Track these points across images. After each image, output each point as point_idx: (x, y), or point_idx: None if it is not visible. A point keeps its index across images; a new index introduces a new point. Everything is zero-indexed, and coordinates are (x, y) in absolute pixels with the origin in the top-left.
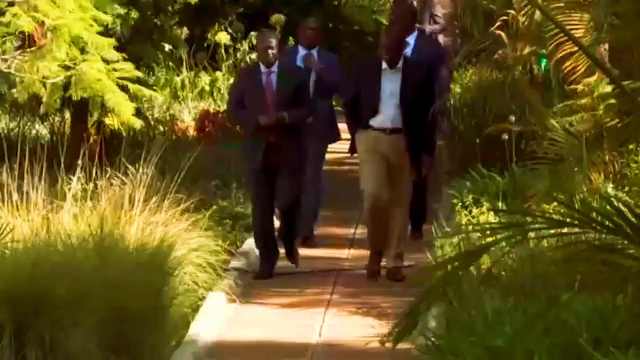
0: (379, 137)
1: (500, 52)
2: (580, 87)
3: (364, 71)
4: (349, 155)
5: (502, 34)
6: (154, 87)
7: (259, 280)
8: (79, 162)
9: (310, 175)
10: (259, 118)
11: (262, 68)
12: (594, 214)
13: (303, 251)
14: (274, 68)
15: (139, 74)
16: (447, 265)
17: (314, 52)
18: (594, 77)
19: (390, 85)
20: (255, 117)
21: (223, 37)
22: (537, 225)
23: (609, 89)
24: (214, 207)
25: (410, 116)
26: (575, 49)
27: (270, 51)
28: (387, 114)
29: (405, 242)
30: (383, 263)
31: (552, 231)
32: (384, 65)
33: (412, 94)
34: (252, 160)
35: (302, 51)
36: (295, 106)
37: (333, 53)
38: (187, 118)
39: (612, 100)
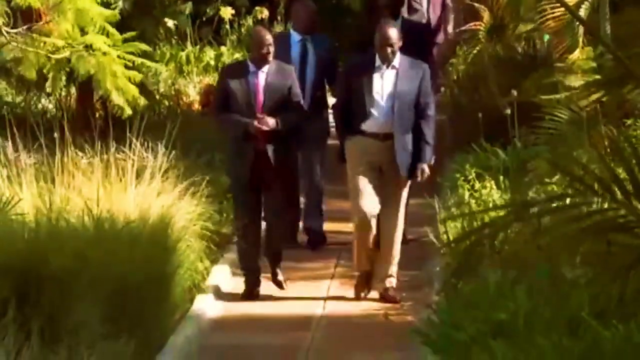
0: (371, 144)
1: (473, 24)
2: (569, 60)
3: (355, 70)
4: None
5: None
6: (158, 62)
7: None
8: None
9: (311, 175)
10: (249, 125)
11: (251, 67)
12: (594, 182)
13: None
14: (265, 67)
15: (146, 47)
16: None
17: (309, 37)
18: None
19: (385, 84)
20: (243, 123)
21: (227, 12)
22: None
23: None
24: (219, 180)
25: (405, 120)
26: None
27: (270, 49)
28: (380, 118)
29: (395, 262)
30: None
31: (554, 204)
32: (378, 62)
33: (406, 95)
34: (238, 169)
35: (296, 37)
36: (285, 110)
37: (329, 38)
38: (192, 92)
39: (597, 76)
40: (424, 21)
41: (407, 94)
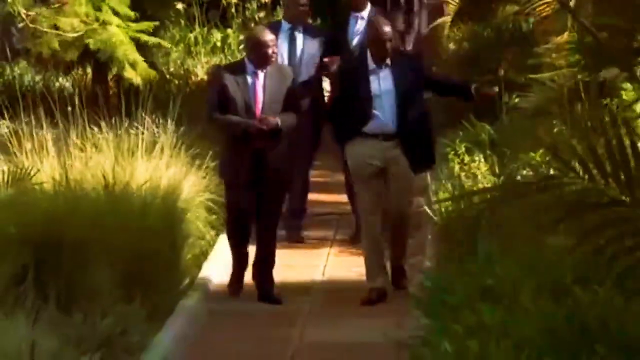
0: (373, 146)
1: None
2: (554, 42)
3: (349, 72)
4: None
5: None
6: (169, 44)
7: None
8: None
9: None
10: (250, 124)
11: (250, 67)
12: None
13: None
14: (262, 68)
15: (154, 23)
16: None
17: (300, 28)
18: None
19: (382, 84)
20: (243, 123)
21: None
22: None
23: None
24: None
25: (406, 118)
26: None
27: (274, 50)
28: (382, 118)
29: (406, 255)
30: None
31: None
32: (371, 61)
33: (407, 91)
34: (236, 170)
35: (285, 26)
36: (284, 110)
37: (320, 29)
38: (200, 72)
39: (577, 56)
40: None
41: (405, 90)
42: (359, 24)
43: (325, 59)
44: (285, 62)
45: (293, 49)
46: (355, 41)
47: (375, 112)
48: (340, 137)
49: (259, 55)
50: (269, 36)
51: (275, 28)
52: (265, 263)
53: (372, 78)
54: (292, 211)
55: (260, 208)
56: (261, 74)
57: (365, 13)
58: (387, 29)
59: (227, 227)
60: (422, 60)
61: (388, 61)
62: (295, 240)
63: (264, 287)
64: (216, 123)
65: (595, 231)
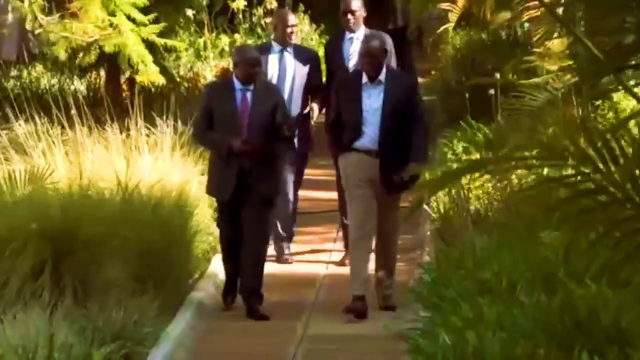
0: (363, 160)
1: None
2: (547, 47)
3: (344, 87)
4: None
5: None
6: (179, 49)
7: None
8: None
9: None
10: (232, 142)
11: (237, 84)
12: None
13: (305, 193)
14: (251, 86)
15: (164, 25)
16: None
17: (290, 49)
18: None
19: (372, 101)
20: (227, 141)
21: (240, 4)
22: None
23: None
24: None
25: (391, 137)
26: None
27: (258, 68)
28: (371, 135)
29: (395, 273)
30: None
31: (532, 177)
32: (365, 78)
33: (393, 111)
34: (222, 190)
35: (276, 48)
36: (271, 129)
37: (309, 49)
38: (208, 75)
39: (570, 62)
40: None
41: (392, 110)
42: (354, 45)
43: (310, 106)
44: (275, 82)
45: (283, 70)
46: (352, 62)
47: (364, 128)
48: (334, 151)
49: (245, 72)
50: (254, 54)
51: (265, 49)
52: (251, 288)
53: (364, 95)
54: (281, 237)
55: (243, 230)
56: (248, 92)
57: (360, 34)
58: (376, 44)
59: (220, 248)
60: (417, 86)
61: (382, 78)
62: (283, 261)
63: (250, 304)
64: (203, 143)
65: (587, 226)
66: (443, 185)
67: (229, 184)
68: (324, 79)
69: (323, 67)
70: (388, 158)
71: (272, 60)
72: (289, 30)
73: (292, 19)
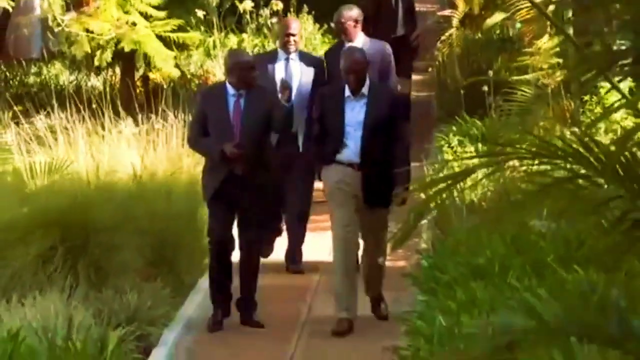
0: (346, 173)
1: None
2: (537, 46)
3: (327, 100)
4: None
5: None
6: (190, 48)
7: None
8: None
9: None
10: (224, 147)
11: (230, 90)
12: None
13: None
14: (244, 91)
15: (179, 21)
16: (437, 183)
17: (295, 56)
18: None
19: (354, 114)
20: (219, 146)
21: (247, 5)
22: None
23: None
24: None
25: (372, 150)
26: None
27: (254, 73)
28: (353, 148)
29: (382, 286)
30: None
31: (524, 168)
32: (347, 91)
33: (375, 125)
34: (214, 195)
35: (282, 55)
36: (265, 135)
37: (315, 56)
38: (218, 72)
39: (560, 59)
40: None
41: (378, 122)
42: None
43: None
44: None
45: (289, 77)
46: None
47: (347, 141)
48: (317, 162)
49: (238, 77)
50: (247, 58)
51: (272, 57)
52: (246, 299)
53: (347, 108)
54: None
55: (239, 236)
56: (242, 98)
57: (358, 43)
58: (359, 58)
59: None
60: (403, 100)
61: (365, 91)
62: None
63: (245, 311)
64: (195, 148)
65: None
66: (439, 195)
67: (223, 189)
68: None
69: None
70: (370, 172)
71: (279, 68)
72: (288, 38)
73: (294, 26)
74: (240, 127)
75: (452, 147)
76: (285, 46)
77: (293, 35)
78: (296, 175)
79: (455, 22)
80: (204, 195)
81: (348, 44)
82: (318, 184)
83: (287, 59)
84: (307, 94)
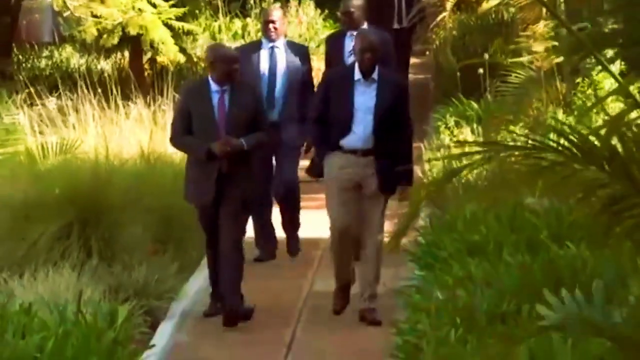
0: (349, 160)
1: None
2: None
3: (334, 83)
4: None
5: None
6: (199, 27)
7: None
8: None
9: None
10: (211, 146)
11: (213, 86)
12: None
13: None
14: (227, 86)
15: (184, 9)
16: (435, 183)
17: (281, 44)
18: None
19: (365, 99)
20: (205, 145)
21: None
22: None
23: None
24: None
25: (382, 136)
26: None
27: (235, 66)
28: (360, 133)
29: (379, 282)
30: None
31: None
32: (357, 75)
33: (387, 110)
34: (201, 194)
35: (266, 44)
36: (251, 130)
37: (301, 45)
38: None
39: (555, 42)
40: None
41: (387, 108)
42: (354, 42)
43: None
44: (266, 77)
45: (274, 65)
46: (351, 59)
47: (353, 127)
48: (320, 148)
49: (221, 72)
50: (228, 52)
51: (256, 46)
52: (227, 318)
53: (356, 92)
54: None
55: (221, 237)
56: (225, 93)
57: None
58: (371, 40)
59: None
60: (407, 90)
61: (375, 76)
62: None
63: (230, 307)
64: (180, 147)
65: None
66: (439, 188)
67: (209, 189)
68: (314, 75)
69: (318, 63)
70: (381, 157)
71: (263, 56)
72: (268, 26)
73: (274, 14)
74: (225, 124)
75: (448, 128)
76: (266, 34)
77: (273, 22)
78: (281, 159)
79: (449, 5)
80: (185, 194)
81: (352, 32)
82: (303, 162)
83: (272, 48)
84: (296, 82)
